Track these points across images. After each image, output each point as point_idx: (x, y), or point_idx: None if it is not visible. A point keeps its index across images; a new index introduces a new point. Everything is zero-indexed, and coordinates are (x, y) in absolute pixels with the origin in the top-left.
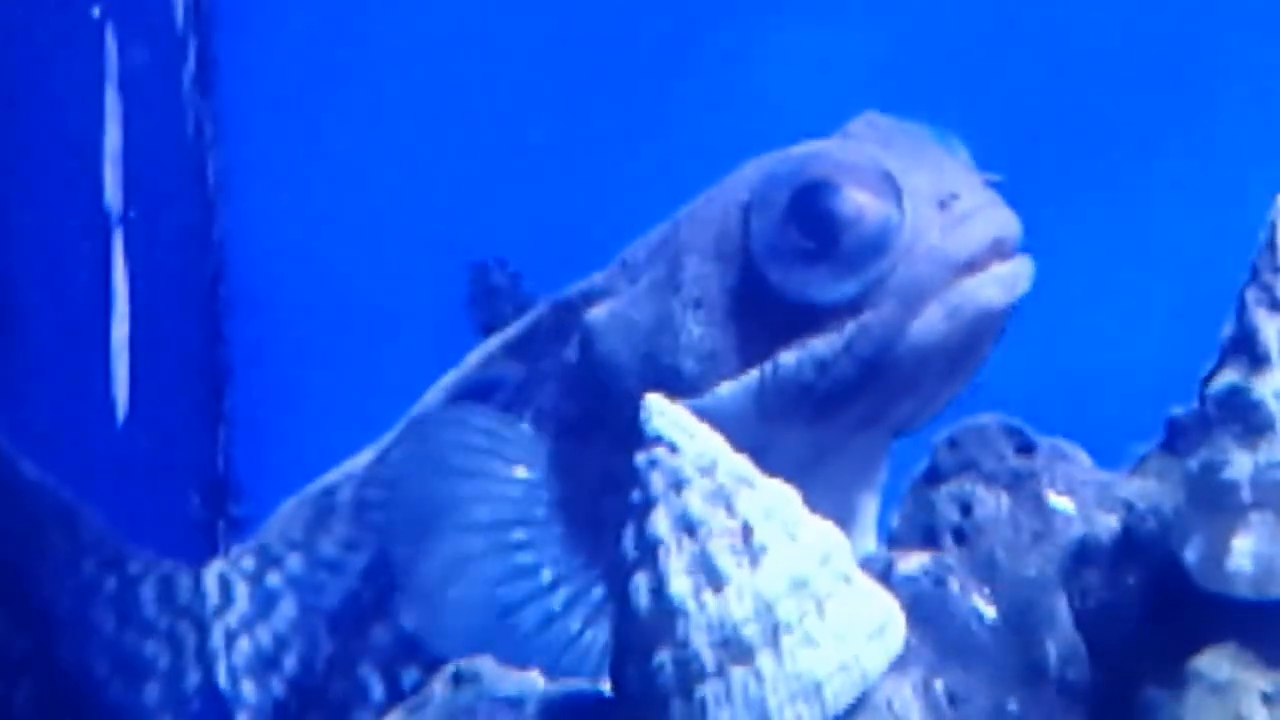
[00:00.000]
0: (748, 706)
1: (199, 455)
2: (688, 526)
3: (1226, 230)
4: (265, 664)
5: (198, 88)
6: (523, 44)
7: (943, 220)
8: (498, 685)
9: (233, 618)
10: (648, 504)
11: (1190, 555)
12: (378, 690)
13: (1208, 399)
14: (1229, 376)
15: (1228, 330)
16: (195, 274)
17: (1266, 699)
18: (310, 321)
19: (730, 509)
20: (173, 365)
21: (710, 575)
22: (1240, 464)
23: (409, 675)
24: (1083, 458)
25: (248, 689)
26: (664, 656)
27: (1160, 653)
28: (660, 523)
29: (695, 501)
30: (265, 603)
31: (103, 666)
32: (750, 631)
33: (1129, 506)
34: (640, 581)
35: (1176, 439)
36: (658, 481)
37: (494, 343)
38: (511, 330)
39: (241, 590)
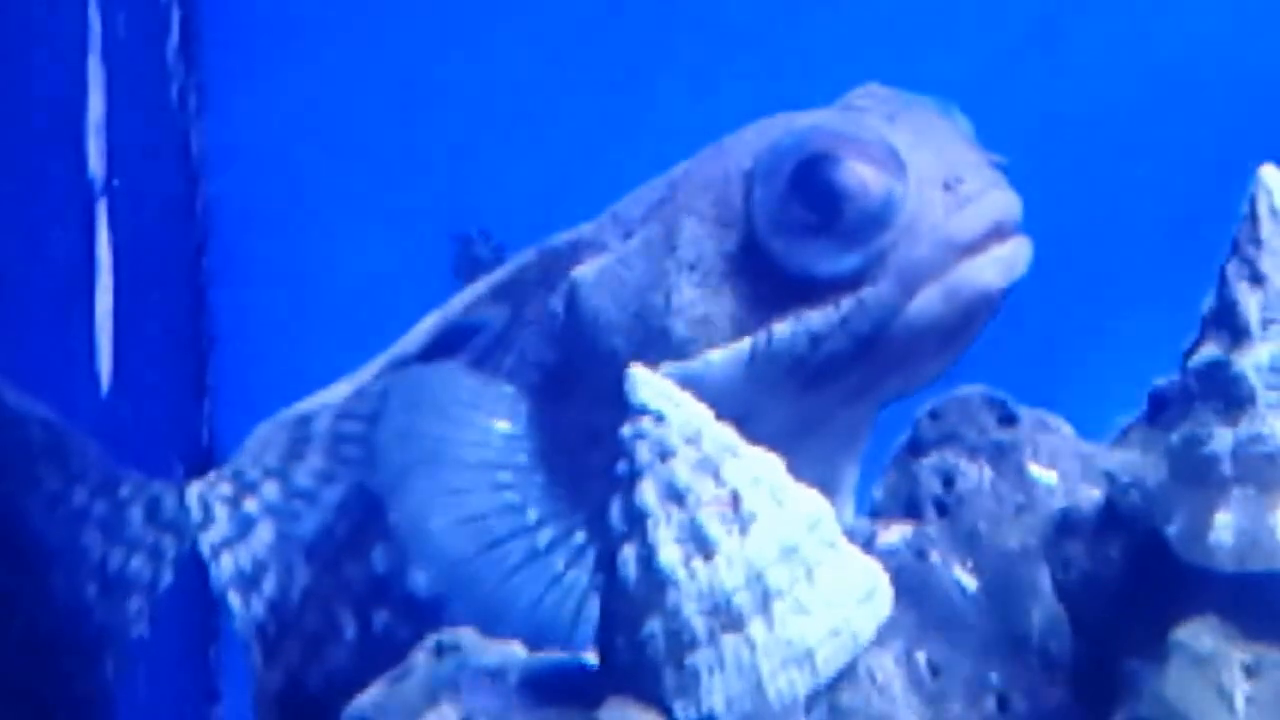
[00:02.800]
0: (740, 674)
1: (183, 426)
2: (676, 496)
3: (1211, 202)
4: (246, 583)
5: (181, 58)
6: (510, 15)
7: (946, 202)
8: (479, 656)
9: (215, 534)
10: (635, 474)
11: (1172, 529)
12: (350, 628)
13: (1189, 372)
14: (1210, 350)
15: (1209, 303)
16: (179, 244)
17: (1248, 670)
18: (294, 292)
19: (718, 478)
20: (157, 336)
21: (700, 544)
22: (1221, 438)
23: (379, 617)
24: (1065, 429)
25: (234, 600)
26: (654, 626)
27: (1142, 624)
28: (648, 493)
29: (683, 471)
30: (243, 525)
31: (92, 589)
32: (741, 599)
33: (1111, 478)
34: (629, 552)
35: (1159, 411)
36: (644, 452)
37: (479, 287)
38: (497, 275)
39: (220, 512)
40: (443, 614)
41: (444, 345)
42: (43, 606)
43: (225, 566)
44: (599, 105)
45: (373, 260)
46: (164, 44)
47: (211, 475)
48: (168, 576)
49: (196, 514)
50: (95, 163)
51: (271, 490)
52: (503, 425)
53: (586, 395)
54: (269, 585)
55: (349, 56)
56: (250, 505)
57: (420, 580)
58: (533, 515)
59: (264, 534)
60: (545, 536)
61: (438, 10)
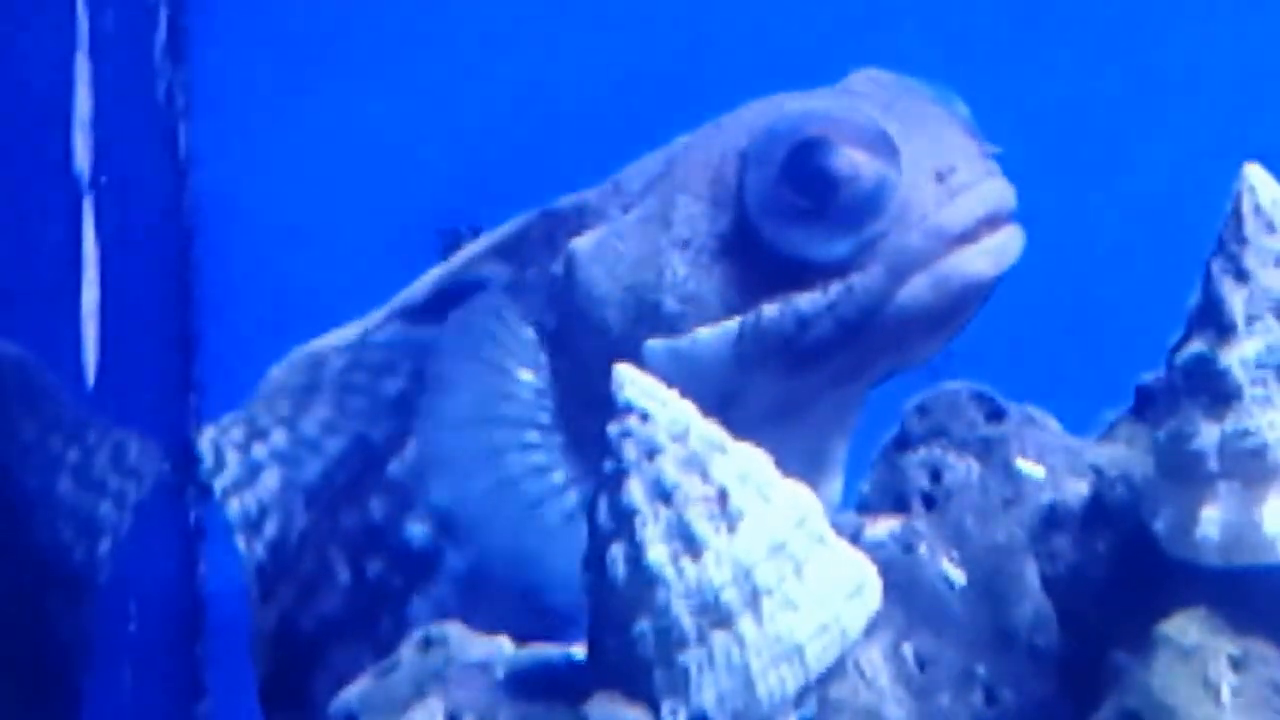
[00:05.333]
0: (730, 672)
1: (169, 421)
2: (663, 494)
3: (1203, 197)
4: (250, 527)
5: (169, 55)
6: (501, 8)
7: (939, 190)
8: (466, 649)
9: (225, 479)
10: (621, 473)
11: (1159, 524)
12: (344, 574)
13: (1175, 368)
14: (1195, 346)
15: (1194, 300)
16: (165, 240)
17: (1234, 663)
18: (281, 288)
19: (705, 475)
20: (142, 331)
21: (688, 542)
22: (1207, 434)
23: (373, 566)
24: (1052, 424)
25: (241, 543)
26: (644, 625)
27: (1129, 618)
28: (635, 491)
29: (669, 468)
30: (252, 471)
31: (67, 531)
32: (730, 596)
33: (1098, 472)
34: (617, 551)
35: (1145, 406)
36: (630, 450)
37: (482, 243)
38: (500, 232)
39: (231, 457)
40: (436, 566)
41: (446, 299)
42: (25, 550)
43: (233, 510)
44: (588, 99)
45: (359, 256)
46: (151, 41)
47: (225, 420)
48: (129, 519)
49: (209, 459)
50: (82, 159)
51: (280, 438)
52: (529, 376)
53: (580, 363)
54: (271, 528)
55: (336, 52)
56: (259, 451)
57: (415, 532)
58: (559, 478)
59: (270, 479)
60: (572, 499)
61: (426, 6)
